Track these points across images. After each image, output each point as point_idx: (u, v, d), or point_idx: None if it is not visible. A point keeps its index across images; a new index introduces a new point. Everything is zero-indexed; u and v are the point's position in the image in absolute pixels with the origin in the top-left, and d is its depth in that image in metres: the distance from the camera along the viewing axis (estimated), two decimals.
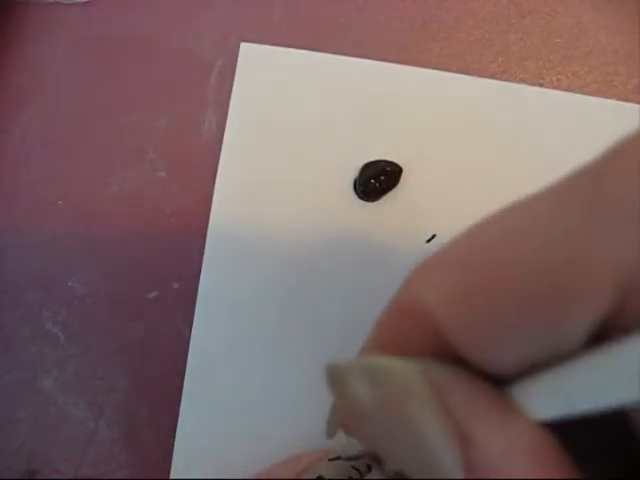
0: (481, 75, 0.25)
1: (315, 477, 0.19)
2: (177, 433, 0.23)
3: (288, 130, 0.24)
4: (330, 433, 0.15)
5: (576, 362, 0.09)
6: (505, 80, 0.25)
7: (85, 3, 0.26)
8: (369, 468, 0.20)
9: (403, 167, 0.24)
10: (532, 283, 0.09)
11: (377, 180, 0.23)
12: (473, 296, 0.09)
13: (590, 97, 0.25)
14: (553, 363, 0.09)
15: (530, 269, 0.09)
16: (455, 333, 0.10)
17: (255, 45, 0.25)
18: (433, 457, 0.09)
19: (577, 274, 0.08)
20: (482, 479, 0.09)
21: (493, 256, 0.09)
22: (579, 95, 0.25)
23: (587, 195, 0.08)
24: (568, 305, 0.08)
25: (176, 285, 0.24)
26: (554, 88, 0.25)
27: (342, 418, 0.13)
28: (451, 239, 0.10)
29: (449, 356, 0.10)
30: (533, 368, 0.09)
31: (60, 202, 0.25)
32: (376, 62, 0.25)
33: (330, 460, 0.20)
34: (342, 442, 0.19)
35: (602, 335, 0.09)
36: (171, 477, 0.22)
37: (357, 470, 0.20)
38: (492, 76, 0.25)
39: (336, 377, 0.11)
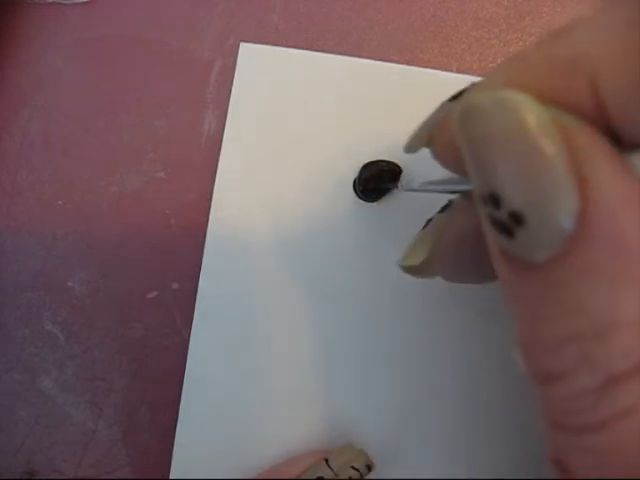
0: (481, 75, 0.25)
1: (315, 478, 0.19)
2: (177, 433, 0.23)
3: (288, 130, 0.24)
4: (413, 145, 0.15)
5: None
6: None
7: (85, 3, 0.26)
8: (369, 469, 0.20)
9: (403, 167, 0.24)
10: None
11: (377, 180, 0.23)
12: (630, 53, 0.09)
13: None
14: None
15: None
16: (612, 92, 0.10)
17: (255, 45, 0.25)
18: (551, 194, 0.09)
19: None
20: (592, 224, 0.09)
21: None
22: None
23: None
24: None
25: (176, 285, 0.24)
26: None
27: (444, 115, 0.13)
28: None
29: (594, 121, 0.10)
30: None
31: (60, 202, 0.25)
32: (376, 62, 0.25)
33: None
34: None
35: None
36: (171, 477, 0.22)
37: (357, 470, 0.20)
38: None
39: (468, 110, 0.11)
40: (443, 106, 0.15)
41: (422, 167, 0.24)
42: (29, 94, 0.25)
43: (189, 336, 0.23)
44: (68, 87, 0.25)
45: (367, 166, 0.24)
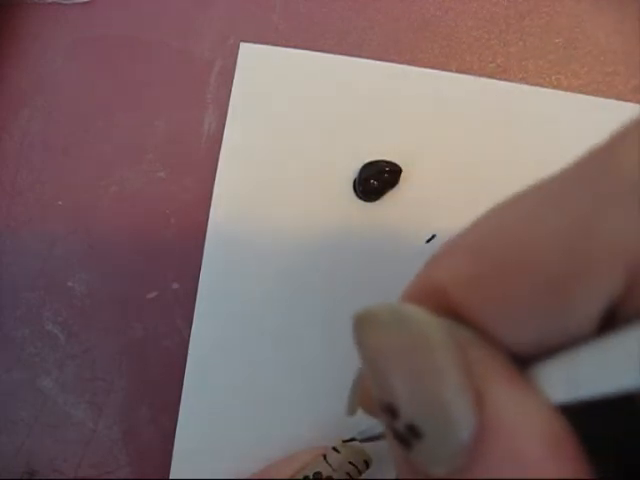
0: (481, 75, 0.25)
1: (312, 474, 0.19)
2: (177, 433, 0.23)
3: (288, 130, 0.24)
4: (350, 410, 0.15)
5: (583, 347, 0.09)
6: (505, 80, 0.25)
7: (85, 3, 0.26)
8: (367, 465, 0.20)
9: (403, 167, 0.24)
10: (540, 265, 0.09)
11: (377, 180, 0.23)
12: (484, 278, 0.10)
13: (590, 97, 0.25)
14: (567, 347, 0.09)
15: (537, 252, 0.09)
16: (470, 313, 0.10)
17: (255, 45, 0.25)
18: (447, 409, 0.09)
19: (586, 256, 0.08)
20: (489, 441, 0.09)
21: (503, 240, 0.10)
22: (579, 95, 0.25)
23: (595, 178, 0.08)
24: (577, 287, 0.09)
25: (176, 285, 0.24)
26: (554, 88, 0.25)
27: (362, 373, 0.13)
28: (468, 224, 0.11)
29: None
30: (550, 351, 0.09)
31: (60, 202, 0.25)
32: (376, 62, 0.25)
33: (344, 442, 0.20)
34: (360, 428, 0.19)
35: (610, 322, 0.09)
36: (171, 477, 0.22)
37: (355, 466, 0.20)
38: (492, 76, 0.25)
39: (363, 320, 0.11)
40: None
41: (422, 167, 0.24)
42: (29, 94, 0.25)
43: (189, 336, 0.23)
44: (68, 87, 0.25)
45: (367, 166, 0.24)
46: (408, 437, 0.10)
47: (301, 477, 0.19)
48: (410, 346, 0.10)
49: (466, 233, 0.11)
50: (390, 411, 0.10)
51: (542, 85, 0.25)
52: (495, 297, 0.10)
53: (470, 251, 0.10)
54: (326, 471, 0.19)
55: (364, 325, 0.11)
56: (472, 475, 0.09)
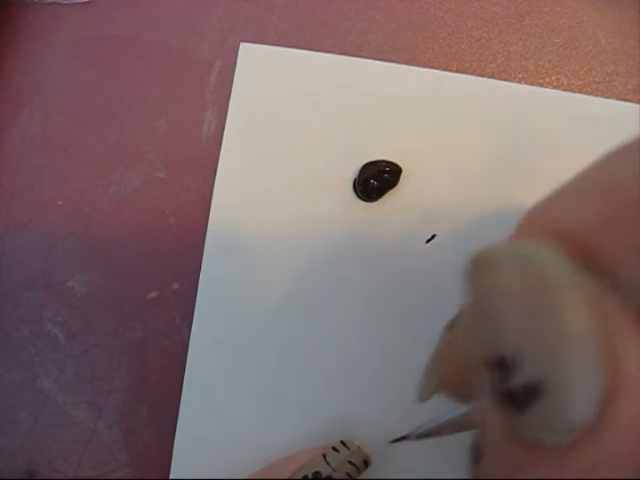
0: (481, 75, 0.25)
1: (312, 474, 0.19)
2: (177, 433, 0.23)
3: (288, 130, 0.24)
4: (425, 395, 0.13)
5: None
6: (505, 80, 0.25)
7: (85, 3, 0.26)
8: (367, 465, 0.20)
9: (403, 167, 0.24)
10: None
11: (377, 180, 0.23)
12: (619, 219, 0.09)
13: (590, 97, 0.25)
14: None
15: None
16: (603, 259, 0.09)
17: (255, 45, 0.25)
18: (577, 365, 0.08)
19: None
20: (620, 400, 0.08)
21: (636, 180, 0.09)
22: (579, 95, 0.25)
23: None
24: None
25: (176, 285, 0.24)
26: (554, 88, 0.25)
27: (439, 353, 0.12)
28: (576, 174, 0.10)
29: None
30: None
31: (60, 202, 0.25)
32: (376, 62, 0.25)
33: (392, 442, 0.19)
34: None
35: None
36: (171, 477, 0.22)
37: (354, 466, 0.20)
38: (492, 76, 0.25)
39: (481, 261, 0.09)
40: (441, 337, 0.13)
41: (422, 167, 0.24)
42: (29, 94, 0.25)
43: (189, 336, 0.23)
44: (68, 87, 0.25)
45: (367, 166, 0.24)
46: (522, 397, 0.08)
47: (301, 477, 0.19)
48: (537, 288, 0.08)
49: (581, 180, 0.10)
50: (502, 367, 0.09)
51: (542, 85, 0.25)
52: (632, 241, 0.08)
53: (601, 192, 0.09)
54: (326, 471, 0.19)
55: (481, 266, 0.09)
56: (597, 443, 0.08)
